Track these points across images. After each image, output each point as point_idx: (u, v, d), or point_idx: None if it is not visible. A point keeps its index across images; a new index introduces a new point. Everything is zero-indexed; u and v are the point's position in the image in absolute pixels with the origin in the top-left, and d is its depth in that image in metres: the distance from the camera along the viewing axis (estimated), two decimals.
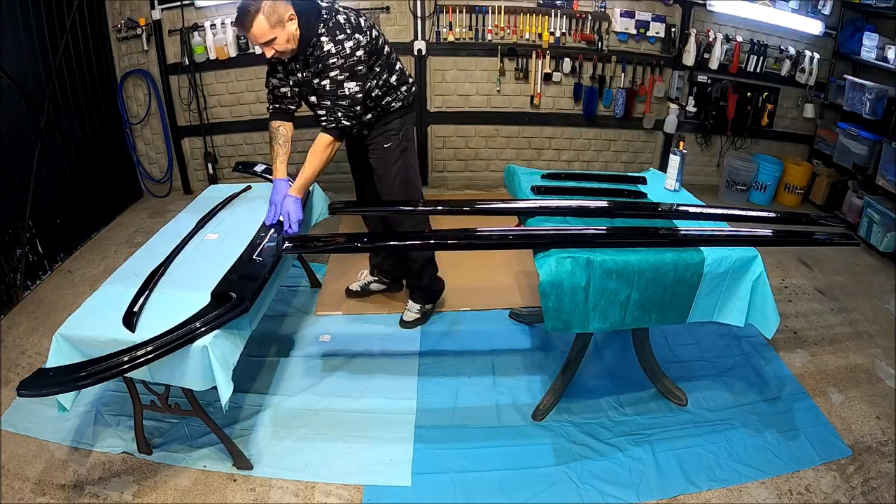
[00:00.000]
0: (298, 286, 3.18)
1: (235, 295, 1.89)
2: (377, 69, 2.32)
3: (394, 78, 2.41)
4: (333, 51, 2.12)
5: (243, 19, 2.02)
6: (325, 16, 2.15)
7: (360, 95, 2.21)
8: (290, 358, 2.64)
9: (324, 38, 2.13)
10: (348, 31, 2.14)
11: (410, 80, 2.53)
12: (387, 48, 2.39)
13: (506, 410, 2.35)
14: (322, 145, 2.25)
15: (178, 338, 1.73)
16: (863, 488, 2.03)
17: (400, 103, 2.47)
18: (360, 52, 2.16)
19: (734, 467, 2.10)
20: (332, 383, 2.49)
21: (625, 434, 2.24)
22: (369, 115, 2.42)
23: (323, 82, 2.19)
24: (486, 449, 2.17)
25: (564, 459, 2.12)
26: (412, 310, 2.87)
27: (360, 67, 2.17)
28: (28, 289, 3.17)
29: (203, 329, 1.76)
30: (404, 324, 2.86)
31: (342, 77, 2.15)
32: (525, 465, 2.10)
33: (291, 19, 2.06)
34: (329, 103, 2.20)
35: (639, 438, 2.22)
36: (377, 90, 2.37)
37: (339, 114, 2.20)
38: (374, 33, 2.30)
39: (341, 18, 2.16)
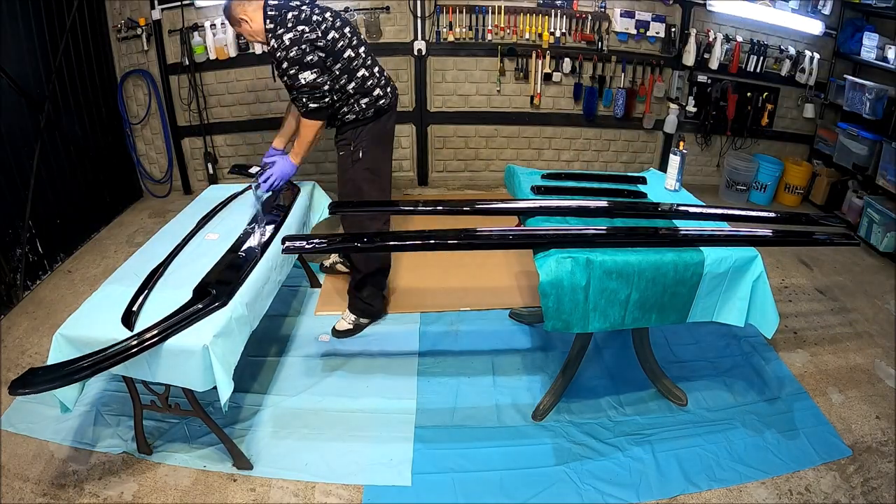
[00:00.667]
0: (298, 286, 3.18)
1: (215, 291, 1.92)
2: (336, 71, 2.37)
3: (352, 86, 2.42)
4: (276, 45, 2.24)
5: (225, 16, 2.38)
6: (271, 12, 2.26)
7: (319, 80, 2.30)
8: (290, 358, 2.64)
9: (269, 35, 2.26)
10: (290, 24, 2.22)
11: (376, 93, 2.49)
12: (349, 53, 2.39)
13: (506, 410, 2.35)
14: (305, 128, 2.42)
15: (160, 332, 1.76)
16: (863, 488, 2.03)
17: (354, 116, 2.48)
18: (304, 45, 2.23)
19: (734, 467, 2.10)
20: (331, 383, 2.49)
21: (625, 434, 2.24)
22: (330, 106, 2.42)
23: (283, 77, 2.33)
24: (486, 449, 2.17)
25: (564, 459, 2.12)
26: (346, 319, 2.80)
27: (309, 58, 2.25)
28: (28, 289, 3.17)
29: (180, 325, 1.79)
30: (336, 332, 2.79)
31: (293, 70, 2.27)
32: (525, 465, 2.10)
33: (245, 19, 2.30)
34: (295, 93, 2.35)
35: (639, 438, 2.22)
36: (332, 95, 2.39)
37: (305, 98, 2.33)
38: (333, 35, 2.33)
39: (290, 15, 2.25)
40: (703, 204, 2.46)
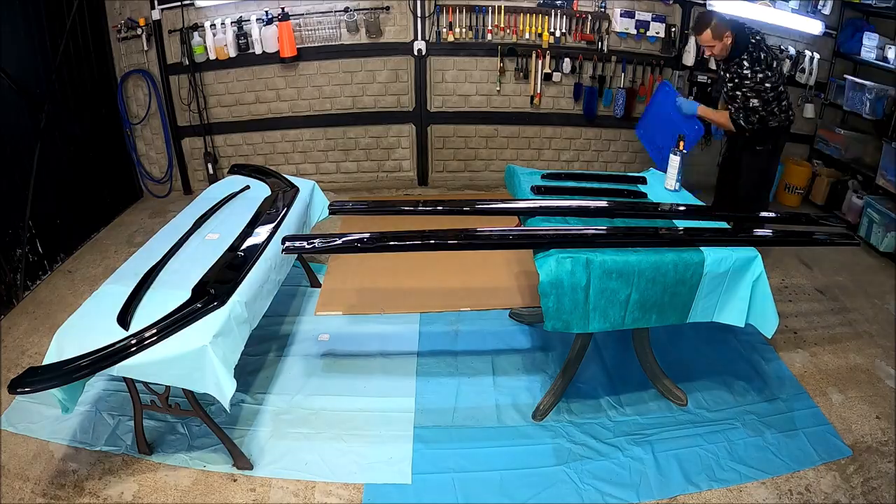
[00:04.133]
0: (298, 286, 3.18)
1: (213, 290, 1.93)
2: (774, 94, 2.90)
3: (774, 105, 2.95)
4: (749, 75, 2.83)
5: (697, 26, 2.89)
6: (751, 48, 2.84)
7: (760, 109, 2.92)
8: (290, 357, 2.64)
9: (745, 62, 2.83)
10: (762, 67, 2.81)
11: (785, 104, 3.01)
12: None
13: (506, 410, 2.35)
14: (726, 115, 3.05)
15: (158, 332, 1.77)
16: (863, 488, 2.03)
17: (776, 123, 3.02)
18: (766, 84, 2.84)
19: (734, 467, 2.10)
20: (331, 383, 2.49)
21: (625, 434, 2.24)
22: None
23: (736, 92, 2.94)
24: (486, 449, 2.17)
25: (564, 459, 2.12)
26: None
27: (765, 94, 2.87)
28: (28, 289, 3.17)
29: (179, 325, 1.80)
30: None
31: (751, 95, 2.89)
32: (525, 465, 2.10)
33: (727, 37, 2.83)
34: (739, 104, 2.96)
35: (639, 438, 2.22)
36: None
37: (741, 115, 2.96)
38: (780, 69, 2.90)
39: (762, 55, 2.82)
40: (704, 204, 2.46)
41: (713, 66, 4.19)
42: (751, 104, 2.90)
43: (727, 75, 2.99)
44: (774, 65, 2.87)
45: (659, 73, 4.26)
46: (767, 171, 3.26)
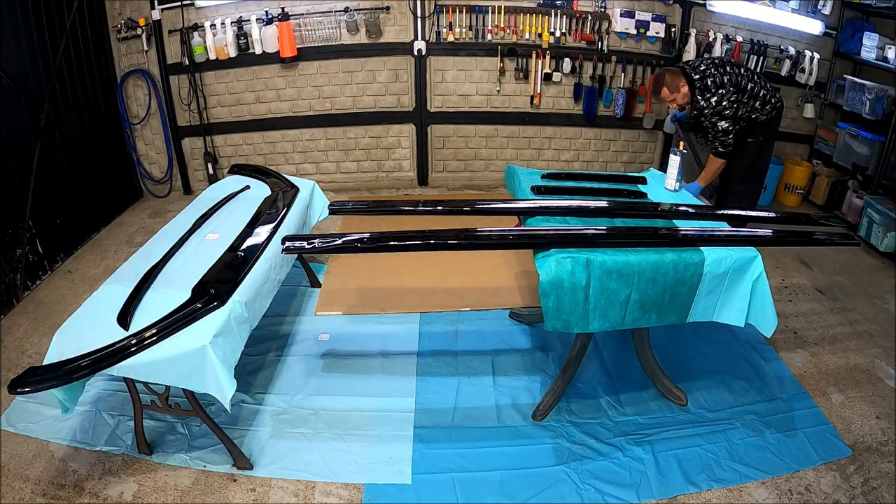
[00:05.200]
0: (298, 286, 3.18)
1: (213, 290, 1.93)
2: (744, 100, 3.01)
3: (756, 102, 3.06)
4: (705, 105, 2.94)
5: (653, 88, 3.09)
6: (697, 84, 2.94)
7: (730, 127, 2.98)
8: (290, 357, 2.64)
9: (697, 96, 2.96)
10: (712, 91, 2.92)
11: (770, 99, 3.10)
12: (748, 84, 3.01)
13: (506, 410, 2.35)
14: (711, 158, 3.08)
15: (158, 332, 1.78)
16: (863, 488, 2.03)
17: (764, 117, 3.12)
18: (724, 103, 2.92)
19: (734, 467, 2.10)
20: (331, 383, 2.49)
21: (625, 434, 2.24)
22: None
23: (706, 122, 3.03)
24: (486, 449, 2.17)
25: (564, 459, 2.12)
26: None
27: (728, 112, 2.95)
28: (28, 289, 3.17)
29: (179, 325, 1.80)
30: None
31: (716, 119, 2.97)
32: (525, 465, 2.10)
33: (682, 86, 2.95)
34: (711, 134, 3.04)
35: (639, 438, 2.22)
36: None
37: (717, 143, 3.02)
38: (737, 79, 2.96)
39: (708, 81, 2.91)
40: (703, 204, 2.46)
41: None
42: (720, 127, 2.98)
43: (695, 113, 3.08)
44: (726, 80, 2.93)
45: None
46: (758, 162, 3.29)
